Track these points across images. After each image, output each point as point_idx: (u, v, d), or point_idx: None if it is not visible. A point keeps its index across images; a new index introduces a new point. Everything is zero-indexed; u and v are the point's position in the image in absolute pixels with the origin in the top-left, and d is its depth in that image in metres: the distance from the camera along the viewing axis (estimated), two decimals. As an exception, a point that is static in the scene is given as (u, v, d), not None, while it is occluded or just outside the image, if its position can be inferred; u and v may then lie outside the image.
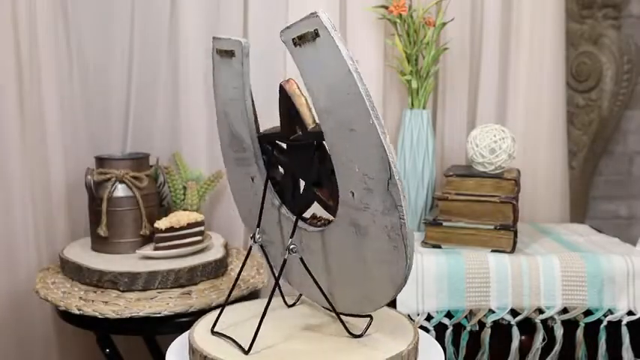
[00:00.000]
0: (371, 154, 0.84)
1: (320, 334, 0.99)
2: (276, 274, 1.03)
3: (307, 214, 1.03)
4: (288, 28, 0.87)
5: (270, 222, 1.05)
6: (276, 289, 0.97)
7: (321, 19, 0.81)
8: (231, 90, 1.01)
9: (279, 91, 0.95)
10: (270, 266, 1.08)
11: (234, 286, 1.04)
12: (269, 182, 1.03)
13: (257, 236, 1.00)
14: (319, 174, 0.97)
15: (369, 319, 1.00)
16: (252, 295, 1.35)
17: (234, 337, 0.96)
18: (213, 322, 1.01)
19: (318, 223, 1.00)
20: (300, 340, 0.97)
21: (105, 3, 1.61)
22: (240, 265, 1.05)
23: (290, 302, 1.11)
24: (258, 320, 0.94)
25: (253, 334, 0.92)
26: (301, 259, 0.96)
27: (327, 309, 1.05)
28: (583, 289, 1.29)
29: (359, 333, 0.98)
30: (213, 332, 0.99)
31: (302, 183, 1.03)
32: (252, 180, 1.06)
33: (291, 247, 0.94)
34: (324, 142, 0.95)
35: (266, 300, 0.96)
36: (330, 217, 0.99)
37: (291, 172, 1.04)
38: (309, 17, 0.83)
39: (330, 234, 0.96)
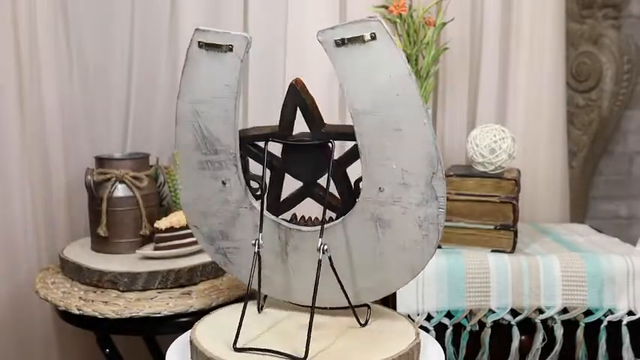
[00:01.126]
0: (417, 151, 0.88)
1: (336, 330, 0.99)
2: (255, 280, 1.01)
3: (287, 216, 1.03)
4: (332, 28, 0.88)
5: (246, 225, 1.02)
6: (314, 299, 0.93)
7: (382, 23, 0.85)
8: (220, 87, 0.96)
9: (289, 90, 0.94)
10: (260, 273, 1.03)
11: (247, 290, 0.99)
12: (246, 183, 1.01)
13: (261, 242, 0.98)
14: (330, 174, 0.97)
15: (367, 308, 1.02)
16: (252, 296, 1.35)
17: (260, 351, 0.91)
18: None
19: (310, 223, 1.00)
20: (337, 338, 0.96)
21: (105, 3, 1.61)
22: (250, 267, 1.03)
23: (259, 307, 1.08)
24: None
25: (305, 342, 0.88)
26: (329, 259, 0.95)
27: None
28: (583, 289, 1.29)
29: (362, 322, 1.00)
30: (237, 349, 0.92)
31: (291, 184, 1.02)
32: (224, 184, 1.01)
33: (325, 247, 0.93)
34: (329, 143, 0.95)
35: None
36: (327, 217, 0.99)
37: (285, 172, 1.02)
38: (366, 20, 0.86)
39: (341, 230, 0.96)
